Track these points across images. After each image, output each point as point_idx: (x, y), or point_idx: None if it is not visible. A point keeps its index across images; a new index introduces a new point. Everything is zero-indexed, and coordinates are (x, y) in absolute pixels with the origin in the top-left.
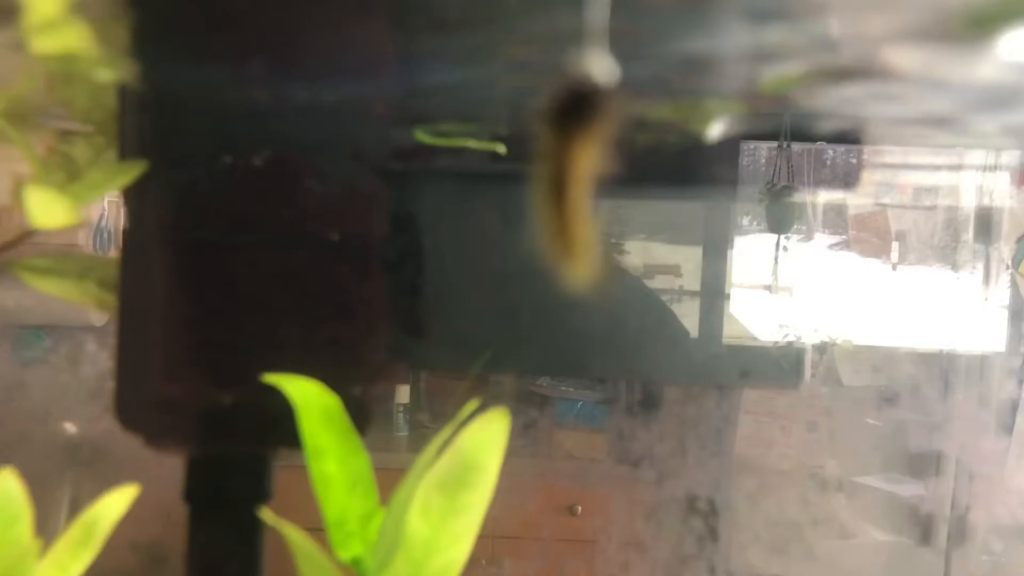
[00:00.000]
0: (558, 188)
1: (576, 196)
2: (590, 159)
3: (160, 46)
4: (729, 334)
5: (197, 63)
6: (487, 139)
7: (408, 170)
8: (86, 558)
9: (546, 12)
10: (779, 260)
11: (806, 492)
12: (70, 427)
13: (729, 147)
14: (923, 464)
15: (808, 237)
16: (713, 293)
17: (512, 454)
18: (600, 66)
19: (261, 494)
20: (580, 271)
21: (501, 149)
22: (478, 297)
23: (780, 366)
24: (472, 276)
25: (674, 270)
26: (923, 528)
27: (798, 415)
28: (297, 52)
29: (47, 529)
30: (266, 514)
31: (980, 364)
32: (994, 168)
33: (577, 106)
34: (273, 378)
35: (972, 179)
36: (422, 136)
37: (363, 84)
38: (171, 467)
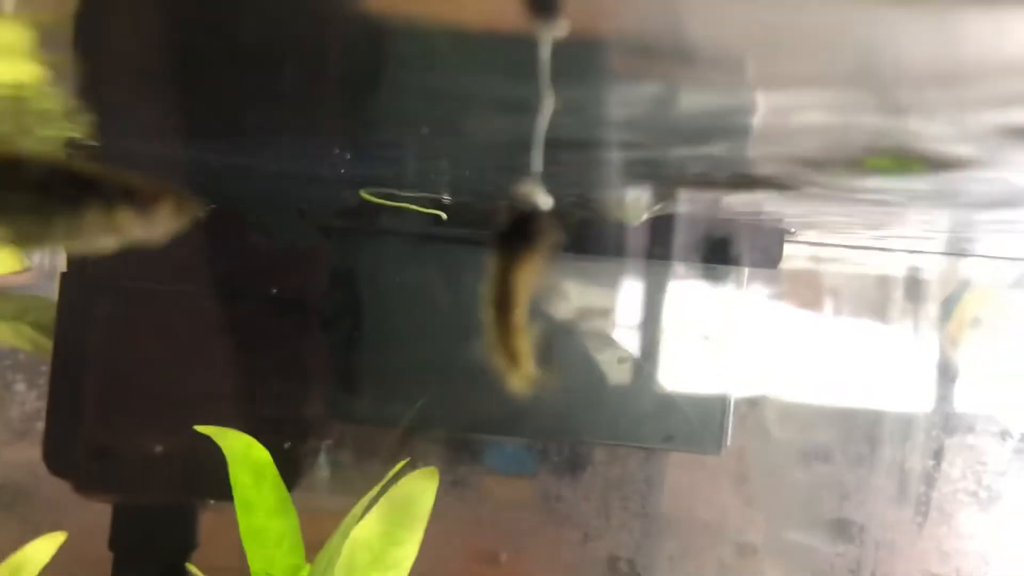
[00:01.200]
0: (502, 303)
1: (518, 309)
2: (531, 276)
3: (114, 113)
4: (656, 393)
5: (149, 127)
6: (429, 204)
7: (351, 228)
8: None
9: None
10: (713, 311)
11: (731, 546)
12: None
13: (664, 223)
14: (845, 521)
15: (742, 288)
16: (643, 353)
17: (438, 497)
18: (540, 197)
19: (187, 544)
20: (519, 376)
21: (442, 215)
22: (413, 354)
23: (701, 433)
24: (408, 334)
25: (607, 314)
26: None
27: (727, 468)
28: (249, 128)
29: None
30: (194, 571)
31: (907, 422)
32: (926, 230)
33: (520, 231)
34: (206, 430)
35: (904, 239)
36: (367, 196)
37: (312, 160)
38: (96, 513)
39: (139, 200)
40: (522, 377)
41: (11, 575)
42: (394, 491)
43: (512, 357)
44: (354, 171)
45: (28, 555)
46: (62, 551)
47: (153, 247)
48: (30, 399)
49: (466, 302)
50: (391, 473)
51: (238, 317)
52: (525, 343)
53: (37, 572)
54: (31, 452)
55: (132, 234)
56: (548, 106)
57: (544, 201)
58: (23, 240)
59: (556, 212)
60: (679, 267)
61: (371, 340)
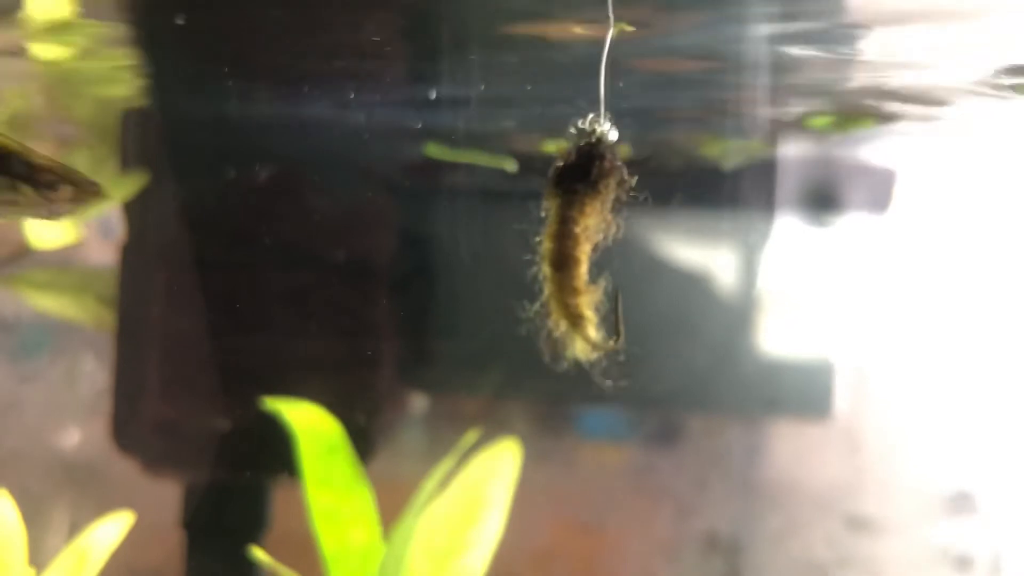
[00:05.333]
0: (561, 256)
1: (579, 264)
2: (594, 222)
3: (167, 63)
4: (757, 356)
5: (203, 80)
6: (499, 156)
7: (418, 187)
8: None
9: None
10: (818, 264)
11: (840, 520)
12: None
13: (763, 170)
14: (966, 494)
15: (850, 237)
16: (742, 313)
17: (527, 468)
18: (607, 130)
19: (259, 523)
20: (581, 341)
21: (511, 167)
22: (489, 319)
23: (807, 396)
24: (484, 296)
25: (703, 271)
26: (958, 566)
27: (836, 437)
28: (307, 71)
29: (47, 550)
30: (259, 554)
31: None
32: None
33: (581, 169)
34: (273, 403)
35: None
36: (433, 151)
37: (374, 106)
38: (170, 488)
39: (42, 181)
40: (584, 342)
41: (79, 557)
42: (472, 465)
43: (573, 319)
44: (418, 120)
45: (96, 536)
46: (136, 528)
47: (213, 215)
48: (100, 375)
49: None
50: (460, 446)
51: (302, 284)
52: (587, 303)
53: (107, 553)
54: (103, 430)
55: (34, 213)
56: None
57: (609, 133)
58: None
59: (639, 157)
60: (781, 217)
61: (444, 305)
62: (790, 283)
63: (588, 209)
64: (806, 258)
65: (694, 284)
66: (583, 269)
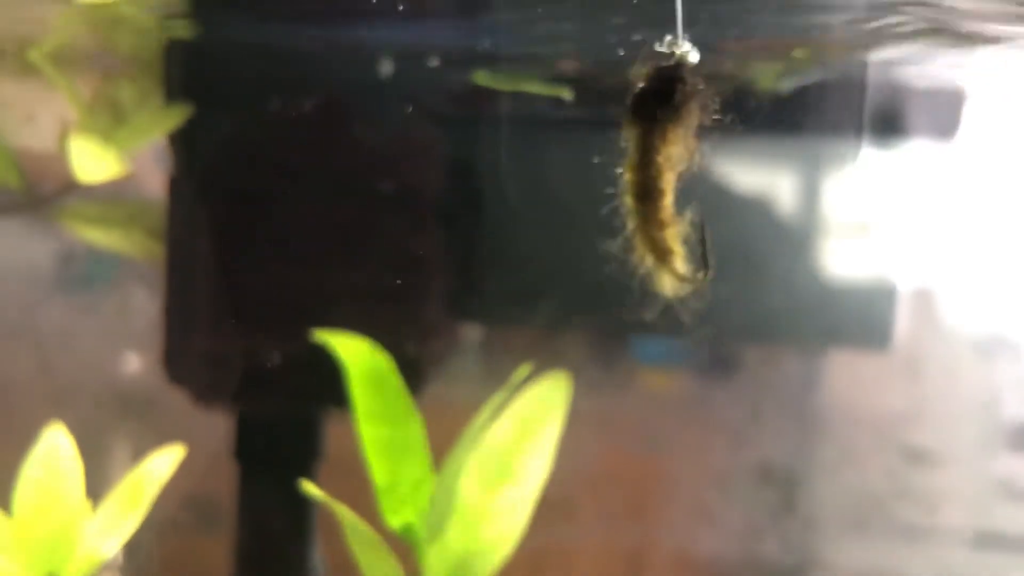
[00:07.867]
0: (644, 187)
1: (664, 195)
2: (678, 151)
3: None
4: (815, 285)
5: (248, 7)
6: (551, 82)
7: (466, 116)
8: (135, 517)
9: None
10: (880, 191)
11: (899, 452)
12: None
13: (821, 92)
14: (1022, 433)
15: (913, 164)
16: (801, 241)
17: (579, 397)
18: (687, 51)
19: (313, 454)
20: (669, 276)
21: (567, 94)
22: (540, 250)
23: (866, 326)
24: (535, 228)
25: (758, 198)
26: (1018, 500)
27: (895, 366)
28: None
29: (104, 482)
30: (310, 488)
31: None
32: None
33: (662, 93)
34: (322, 335)
35: None
36: (482, 79)
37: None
38: (223, 420)
39: None
40: (672, 277)
41: (133, 488)
42: (522, 397)
43: (660, 254)
44: (466, 47)
45: (150, 468)
46: (191, 459)
47: (260, 146)
48: (154, 309)
49: (597, 191)
50: (517, 377)
51: (351, 216)
52: (674, 236)
53: (160, 484)
54: (157, 362)
55: None
56: None
57: (690, 55)
58: None
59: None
60: (840, 142)
61: (494, 236)
62: (852, 210)
63: (671, 137)
64: (869, 183)
65: (753, 211)
66: (668, 200)
